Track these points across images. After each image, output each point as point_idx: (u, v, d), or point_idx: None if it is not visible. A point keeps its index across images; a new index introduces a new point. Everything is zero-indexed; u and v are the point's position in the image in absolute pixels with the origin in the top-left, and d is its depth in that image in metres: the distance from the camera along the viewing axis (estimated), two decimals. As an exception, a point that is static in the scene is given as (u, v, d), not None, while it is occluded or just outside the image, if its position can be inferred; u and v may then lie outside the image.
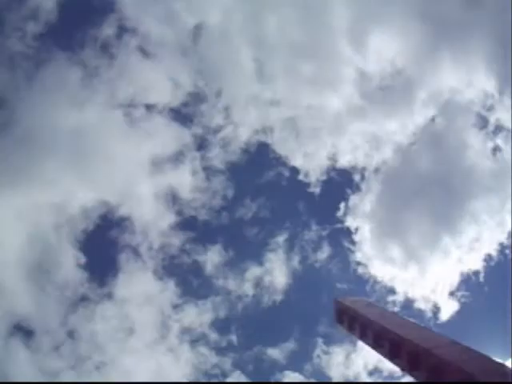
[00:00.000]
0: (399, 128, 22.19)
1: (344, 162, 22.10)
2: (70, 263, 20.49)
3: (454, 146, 21.97)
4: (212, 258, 21.48)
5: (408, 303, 21.33)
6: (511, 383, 3.45)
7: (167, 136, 21.85)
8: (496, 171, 21.50)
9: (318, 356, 20.89)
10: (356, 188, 22.26)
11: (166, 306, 21.17)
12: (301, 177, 21.96)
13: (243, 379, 20.50)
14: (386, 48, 21.93)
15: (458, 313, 21.10)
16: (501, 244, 21.30)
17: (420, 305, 21.36)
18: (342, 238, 22.15)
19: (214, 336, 21.02)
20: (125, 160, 21.84)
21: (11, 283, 19.88)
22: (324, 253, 21.69)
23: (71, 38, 21.37)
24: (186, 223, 21.73)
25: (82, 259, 20.57)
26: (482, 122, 21.80)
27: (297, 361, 21.02)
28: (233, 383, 20.69)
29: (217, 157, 22.03)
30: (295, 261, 21.82)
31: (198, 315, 21.15)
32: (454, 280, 21.39)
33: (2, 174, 20.00)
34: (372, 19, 21.84)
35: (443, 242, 21.59)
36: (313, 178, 21.88)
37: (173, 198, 21.63)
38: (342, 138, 22.39)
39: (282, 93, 22.44)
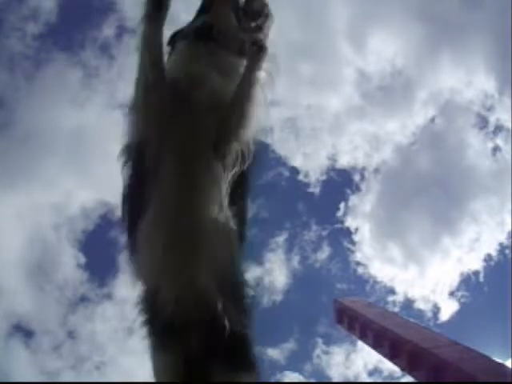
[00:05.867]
0: (399, 128, 22.16)
1: (344, 162, 22.07)
2: (69, 263, 20.46)
3: (454, 146, 21.97)
4: (212, 258, 21.53)
5: (408, 303, 21.32)
6: (511, 383, 3.46)
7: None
8: (496, 171, 21.48)
9: (318, 356, 20.86)
10: (356, 188, 22.23)
11: (165, 306, 21.21)
12: (300, 177, 21.92)
13: (243, 379, 20.54)
14: (385, 48, 21.90)
15: (458, 313, 21.08)
16: (501, 244, 21.27)
17: (420, 305, 21.34)
18: (341, 238, 22.12)
19: (213, 336, 21.06)
20: (124, 160, 21.90)
21: (11, 283, 19.88)
22: (324, 253, 21.66)
23: (71, 38, 21.31)
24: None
25: (82, 259, 20.56)
26: (482, 122, 21.77)
27: (297, 361, 20.98)
28: (232, 383, 20.70)
29: (216, 157, 22.09)
30: (295, 261, 21.77)
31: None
32: (454, 280, 21.37)
33: (2, 174, 20.03)
34: (372, 19, 21.84)
35: (443, 242, 21.59)
36: (312, 178, 21.85)
37: (172, 199, 21.67)
38: (342, 138, 22.35)
39: (281, 93, 22.46)
